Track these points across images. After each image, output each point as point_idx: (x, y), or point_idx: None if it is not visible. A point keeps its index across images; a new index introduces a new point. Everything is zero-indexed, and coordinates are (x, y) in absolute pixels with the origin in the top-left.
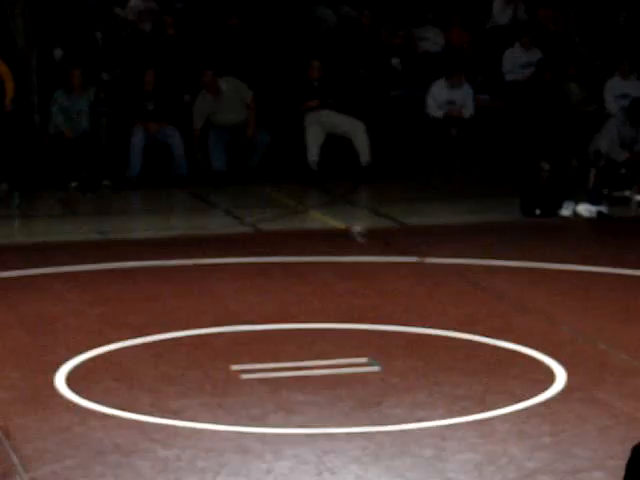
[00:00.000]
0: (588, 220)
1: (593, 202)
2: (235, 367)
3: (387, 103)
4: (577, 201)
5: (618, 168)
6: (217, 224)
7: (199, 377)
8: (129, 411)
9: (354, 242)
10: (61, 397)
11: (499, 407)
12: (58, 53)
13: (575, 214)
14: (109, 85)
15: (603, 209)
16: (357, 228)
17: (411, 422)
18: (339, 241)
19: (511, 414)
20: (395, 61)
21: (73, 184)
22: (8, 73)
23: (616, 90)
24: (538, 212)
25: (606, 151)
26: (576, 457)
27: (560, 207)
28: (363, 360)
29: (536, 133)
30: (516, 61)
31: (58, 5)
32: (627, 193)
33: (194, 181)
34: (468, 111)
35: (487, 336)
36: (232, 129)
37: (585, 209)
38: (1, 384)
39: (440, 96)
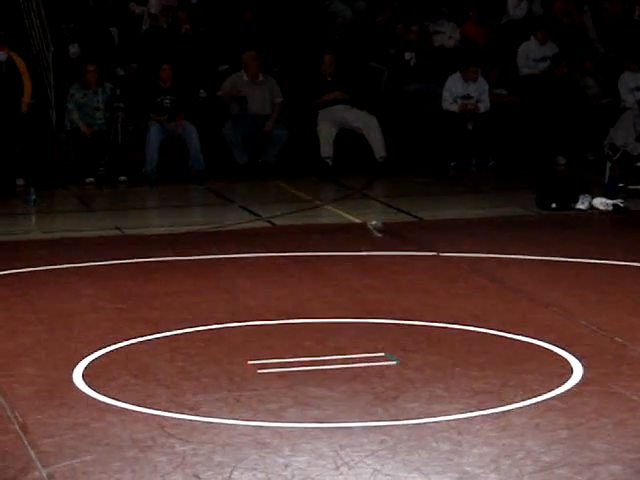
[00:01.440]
0: (604, 213)
1: (609, 195)
2: (252, 362)
3: (402, 97)
4: (593, 194)
5: (634, 161)
6: (233, 219)
7: (216, 372)
8: (146, 406)
9: (370, 236)
10: (79, 392)
11: (516, 401)
12: (74, 49)
13: (591, 207)
14: (125, 81)
15: (619, 202)
16: (373, 222)
17: (428, 416)
18: (355, 235)
19: (528, 408)
20: (409, 55)
21: (89, 180)
22: (26, 71)
23: (630, 83)
24: (554, 206)
25: (622, 144)
26: (593, 450)
27: (576, 201)
28: (380, 354)
29: (552, 127)
30: (531, 55)
31: (73, 1)
32: None
33: (210, 176)
34: (484, 105)
35: (503, 330)
36: (250, 120)
37: (601, 202)
38: (19, 380)
39: (456, 90)
